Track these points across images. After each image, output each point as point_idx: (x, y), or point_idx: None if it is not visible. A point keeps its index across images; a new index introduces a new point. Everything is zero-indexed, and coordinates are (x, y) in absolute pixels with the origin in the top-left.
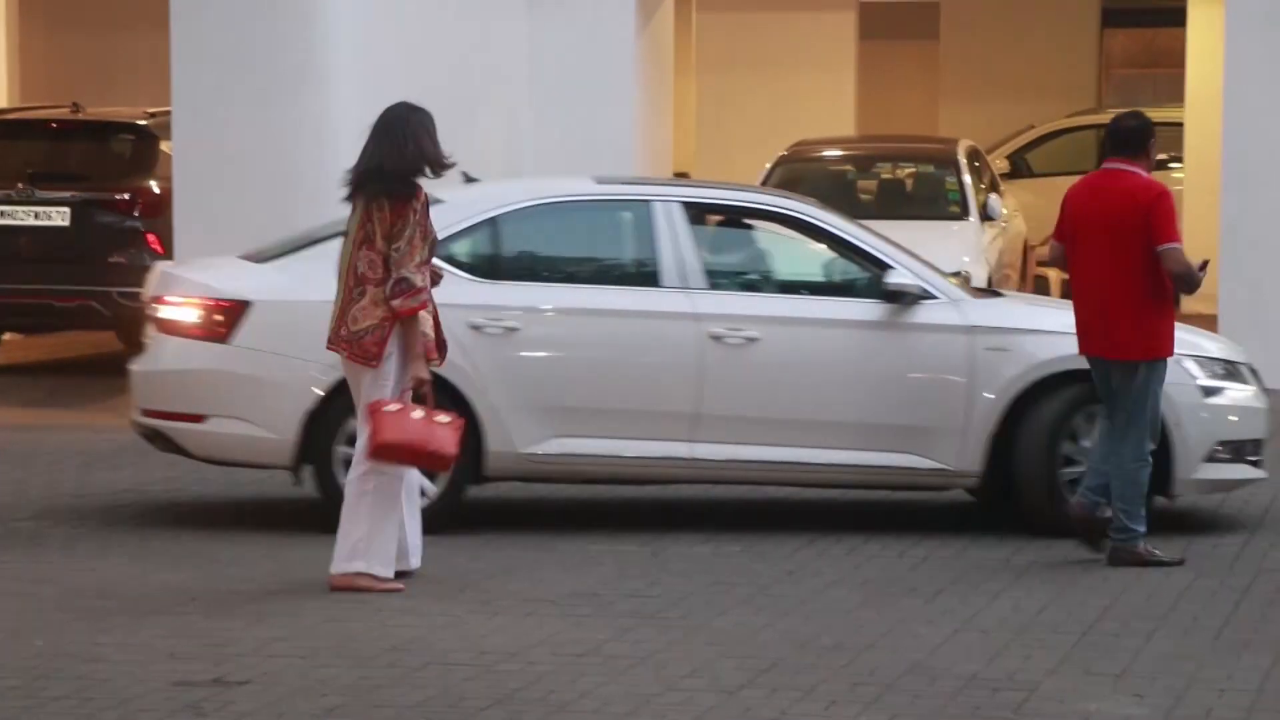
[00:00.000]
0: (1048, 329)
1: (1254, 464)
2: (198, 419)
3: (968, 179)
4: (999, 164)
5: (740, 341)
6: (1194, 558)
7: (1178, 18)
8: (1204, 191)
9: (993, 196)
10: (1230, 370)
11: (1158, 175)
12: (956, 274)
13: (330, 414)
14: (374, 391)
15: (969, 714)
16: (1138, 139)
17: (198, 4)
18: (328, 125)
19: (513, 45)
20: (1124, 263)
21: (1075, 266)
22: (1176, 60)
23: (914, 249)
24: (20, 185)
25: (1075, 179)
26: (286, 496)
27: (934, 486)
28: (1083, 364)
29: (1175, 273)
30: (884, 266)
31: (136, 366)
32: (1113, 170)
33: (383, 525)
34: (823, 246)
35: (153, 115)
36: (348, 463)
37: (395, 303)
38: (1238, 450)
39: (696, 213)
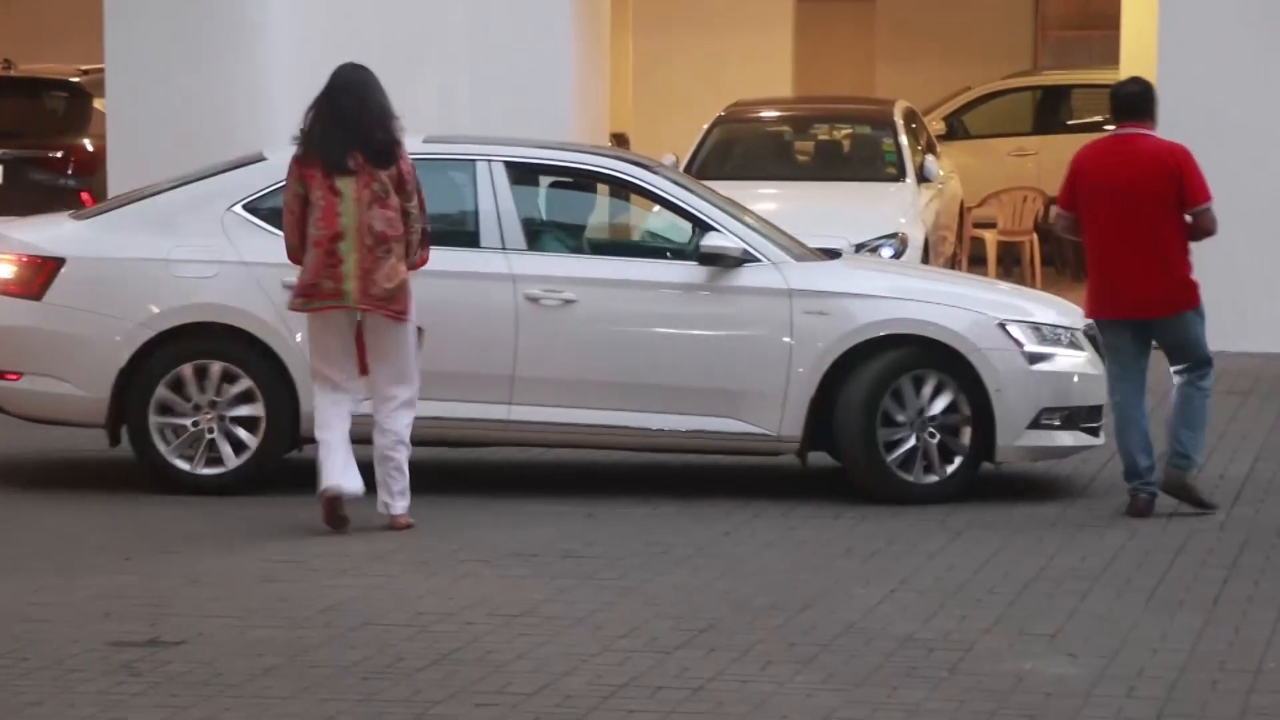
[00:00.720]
0: (869, 293)
1: (1090, 431)
2: (14, 377)
3: (904, 140)
4: (935, 126)
5: (557, 303)
6: (1129, 520)
7: None
8: None
9: (929, 158)
10: (1060, 336)
11: (1089, 138)
12: (894, 235)
13: (142, 373)
14: (407, 345)
15: (905, 674)
16: (1144, 102)
17: None
18: (262, 83)
19: (448, 3)
20: (1157, 223)
21: (1096, 232)
22: (1112, 23)
23: (850, 210)
24: None
25: (1011, 140)
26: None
27: (755, 451)
28: (902, 329)
29: (1207, 230)
30: (708, 229)
31: None
32: (1129, 135)
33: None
34: (649, 208)
35: (86, 73)
36: (163, 429)
37: (426, 253)
38: (1069, 418)
39: (522, 173)
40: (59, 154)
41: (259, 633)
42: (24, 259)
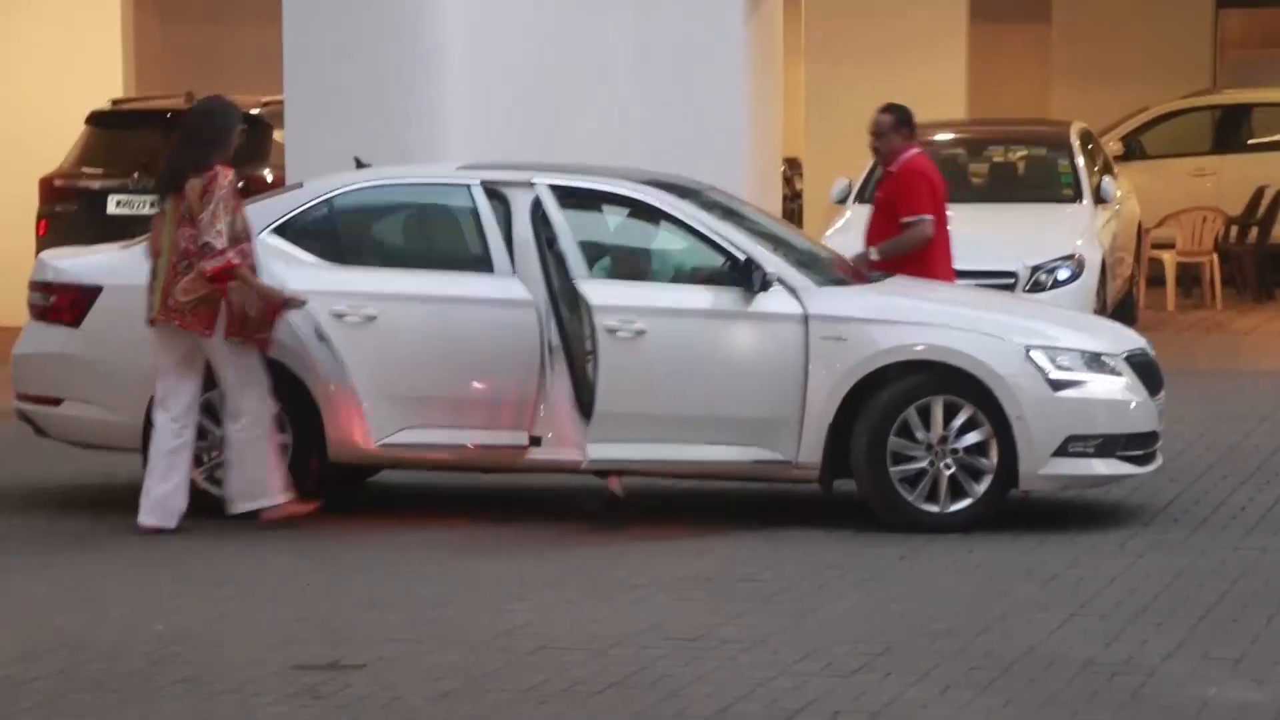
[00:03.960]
0: (888, 318)
1: (1132, 460)
2: (55, 402)
3: (1080, 161)
4: (1112, 146)
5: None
6: None
7: None
8: None
9: (1106, 179)
10: (1094, 362)
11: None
12: (1070, 257)
13: None
14: (223, 359)
15: (1086, 699)
16: None
17: None
18: (438, 115)
19: (622, 31)
20: None
21: None
22: None
23: (1026, 232)
24: (136, 175)
25: (1190, 160)
26: (403, 482)
27: (776, 479)
28: (920, 355)
29: None
30: (728, 254)
31: (14, 351)
32: None
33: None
34: (671, 233)
35: (266, 105)
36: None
37: (212, 264)
38: (1105, 445)
39: (564, 199)
40: (239, 185)
41: (437, 656)
42: (63, 287)
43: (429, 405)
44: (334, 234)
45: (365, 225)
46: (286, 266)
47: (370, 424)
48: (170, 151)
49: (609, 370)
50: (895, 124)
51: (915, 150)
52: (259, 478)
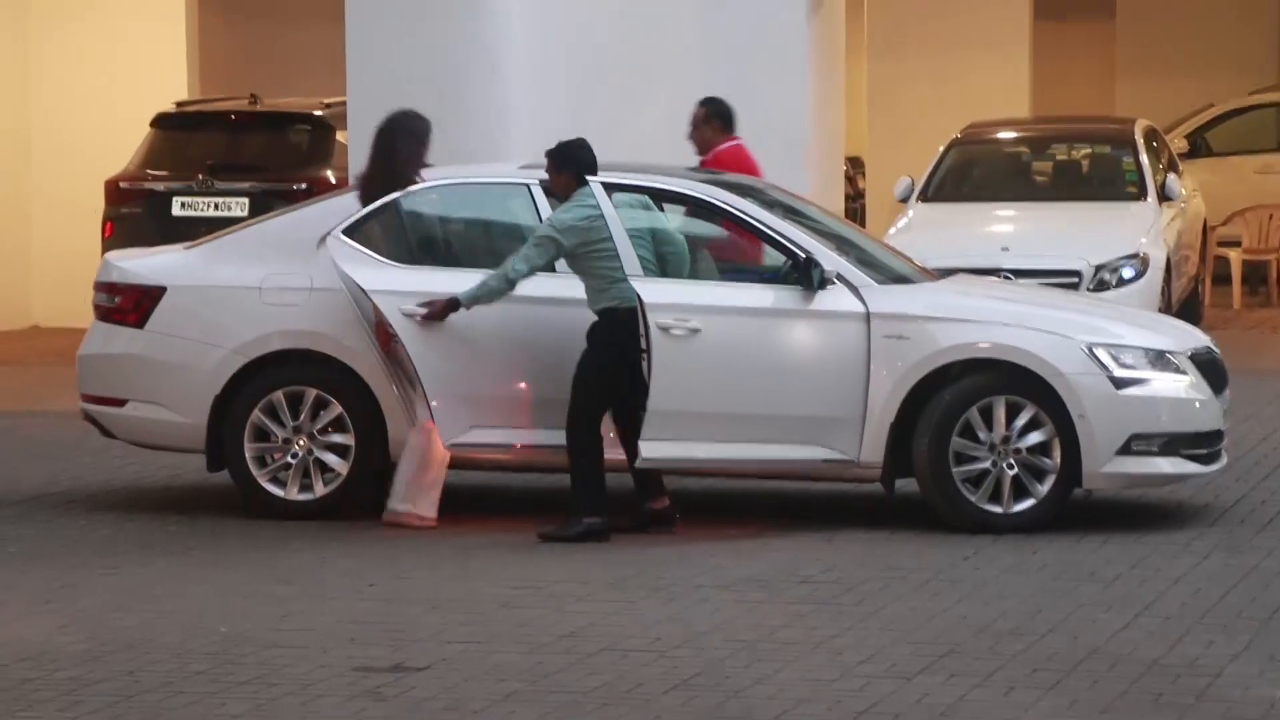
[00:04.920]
0: (950, 316)
1: (1196, 458)
2: (119, 403)
3: (1145, 159)
4: (1177, 144)
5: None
6: None
7: None
8: None
9: (1171, 177)
10: (1157, 360)
11: None
12: (1135, 255)
13: (238, 400)
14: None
15: (1150, 700)
16: None
17: None
18: (502, 114)
19: (683, 29)
20: None
21: None
22: None
23: (1090, 231)
24: (200, 176)
25: (1257, 158)
26: (464, 483)
27: (838, 479)
28: (982, 353)
29: None
30: (788, 252)
31: (79, 352)
32: None
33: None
34: (731, 231)
35: (329, 106)
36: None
37: None
38: (1169, 444)
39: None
40: (302, 186)
41: (500, 658)
42: (128, 288)
43: (497, 406)
44: (400, 234)
45: (430, 225)
46: (358, 267)
47: (440, 424)
48: (371, 174)
49: (663, 369)
50: (707, 117)
51: (733, 143)
52: (401, 480)
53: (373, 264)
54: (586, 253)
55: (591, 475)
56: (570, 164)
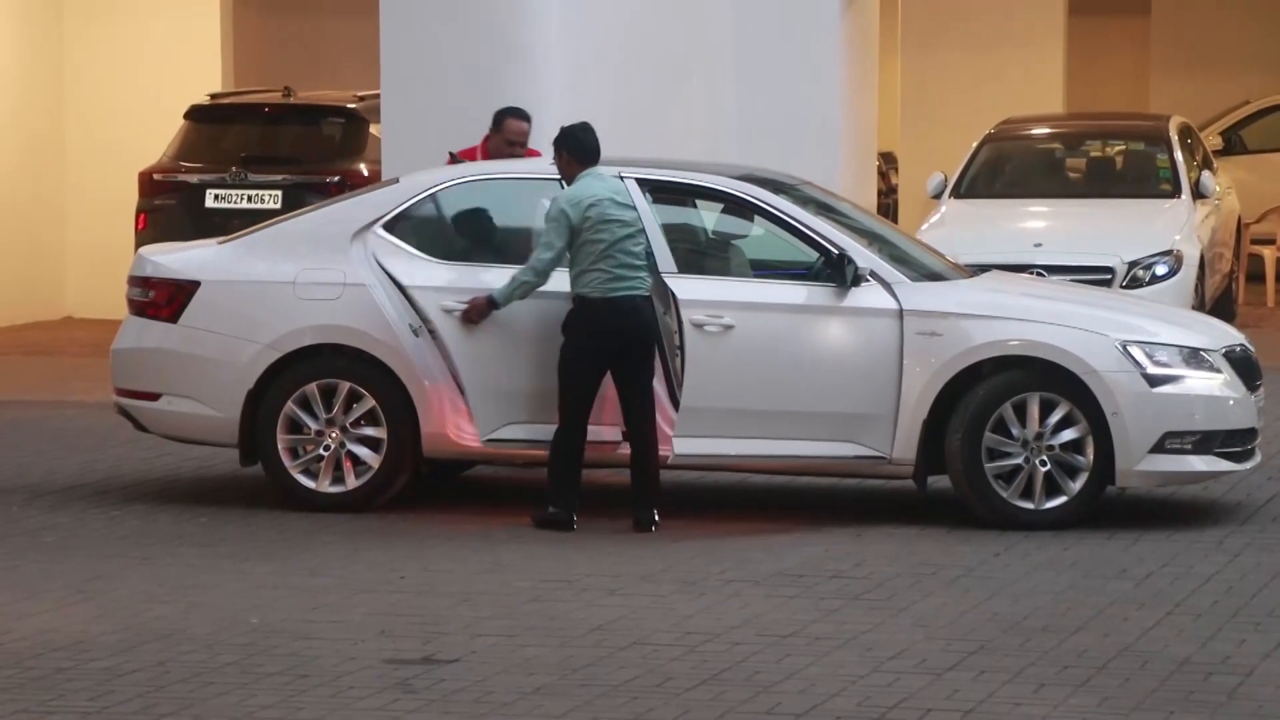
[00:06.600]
0: (983, 313)
1: (1230, 456)
2: (153, 397)
3: (1179, 156)
4: (1212, 140)
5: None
6: None
7: None
8: None
9: (1205, 174)
10: (1192, 358)
11: None
12: (1168, 252)
13: (270, 394)
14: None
15: (1182, 698)
16: None
17: None
18: (533, 109)
19: (717, 24)
20: None
21: None
22: None
23: (1124, 227)
24: (234, 169)
25: None
26: (495, 477)
27: (871, 475)
28: (1015, 350)
29: None
30: (822, 249)
31: (113, 346)
32: None
33: None
34: (764, 227)
35: (362, 99)
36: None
37: None
38: (1203, 441)
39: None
40: (336, 179)
41: (530, 651)
42: (161, 282)
43: (534, 401)
44: (438, 229)
45: (466, 220)
46: (397, 262)
47: (475, 419)
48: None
49: (695, 365)
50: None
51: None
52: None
53: (410, 258)
54: (583, 232)
55: (559, 465)
56: (567, 145)
